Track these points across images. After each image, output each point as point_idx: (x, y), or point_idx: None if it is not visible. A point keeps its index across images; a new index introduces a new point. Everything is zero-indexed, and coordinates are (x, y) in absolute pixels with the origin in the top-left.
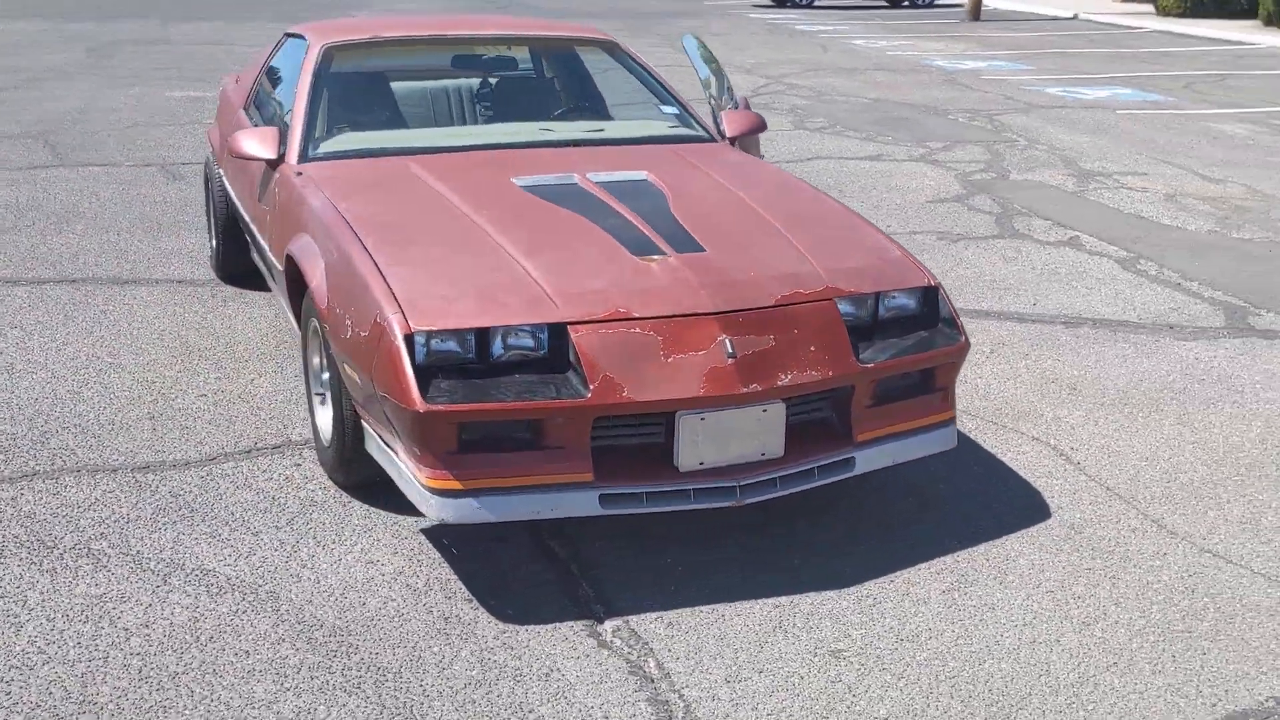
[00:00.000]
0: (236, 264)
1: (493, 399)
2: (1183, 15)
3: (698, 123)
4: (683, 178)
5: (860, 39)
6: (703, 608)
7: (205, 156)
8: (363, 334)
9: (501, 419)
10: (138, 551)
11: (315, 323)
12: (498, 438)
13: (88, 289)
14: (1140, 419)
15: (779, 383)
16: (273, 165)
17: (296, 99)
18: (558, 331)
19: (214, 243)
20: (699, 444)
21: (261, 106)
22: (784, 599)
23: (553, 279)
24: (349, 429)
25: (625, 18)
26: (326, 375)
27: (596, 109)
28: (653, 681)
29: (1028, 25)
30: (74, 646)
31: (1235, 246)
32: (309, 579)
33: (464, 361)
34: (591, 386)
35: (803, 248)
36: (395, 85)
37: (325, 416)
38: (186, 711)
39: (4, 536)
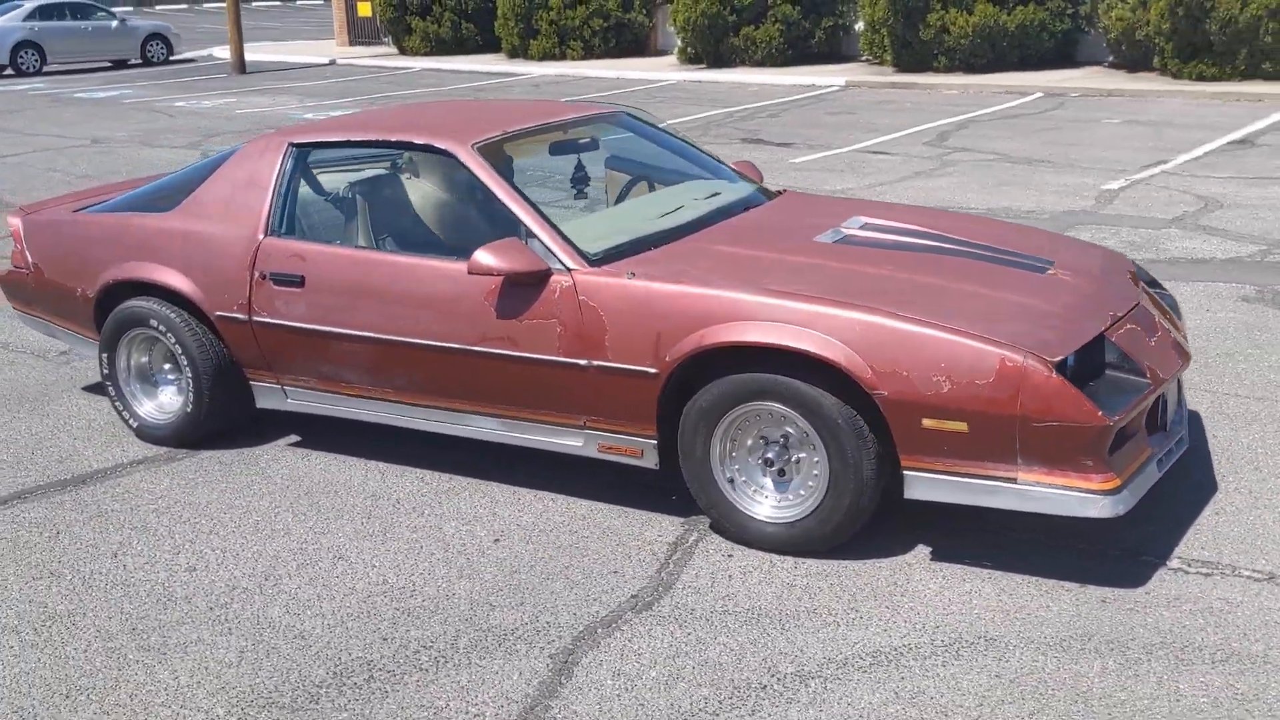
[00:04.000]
0: (223, 420)
1: (1130, 404)
2: (430, 54)
3: (742, 178)
4: (886, 217)
5: (181, 101)
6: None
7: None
8: (979, 382)
9: (1137, 417)
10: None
11: (777, 408)
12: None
13: (66, 500)
14: None
15: (1185, 346)
16: (537, 279)
17: (513, 205)
18: (1092, 342)
19: (190, 405)
20: (1171, 405)
21: (334, 228)
22: (1189, 502)
23: (1047, 304)
24: (869, 487)
25: None
26: (780, 447)
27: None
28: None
29: (305, 74)
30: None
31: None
32: (956, 613)
33: None
34: (1147, 376)
35: (1065, 250)
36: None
37: (769, 502)
38: None
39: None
